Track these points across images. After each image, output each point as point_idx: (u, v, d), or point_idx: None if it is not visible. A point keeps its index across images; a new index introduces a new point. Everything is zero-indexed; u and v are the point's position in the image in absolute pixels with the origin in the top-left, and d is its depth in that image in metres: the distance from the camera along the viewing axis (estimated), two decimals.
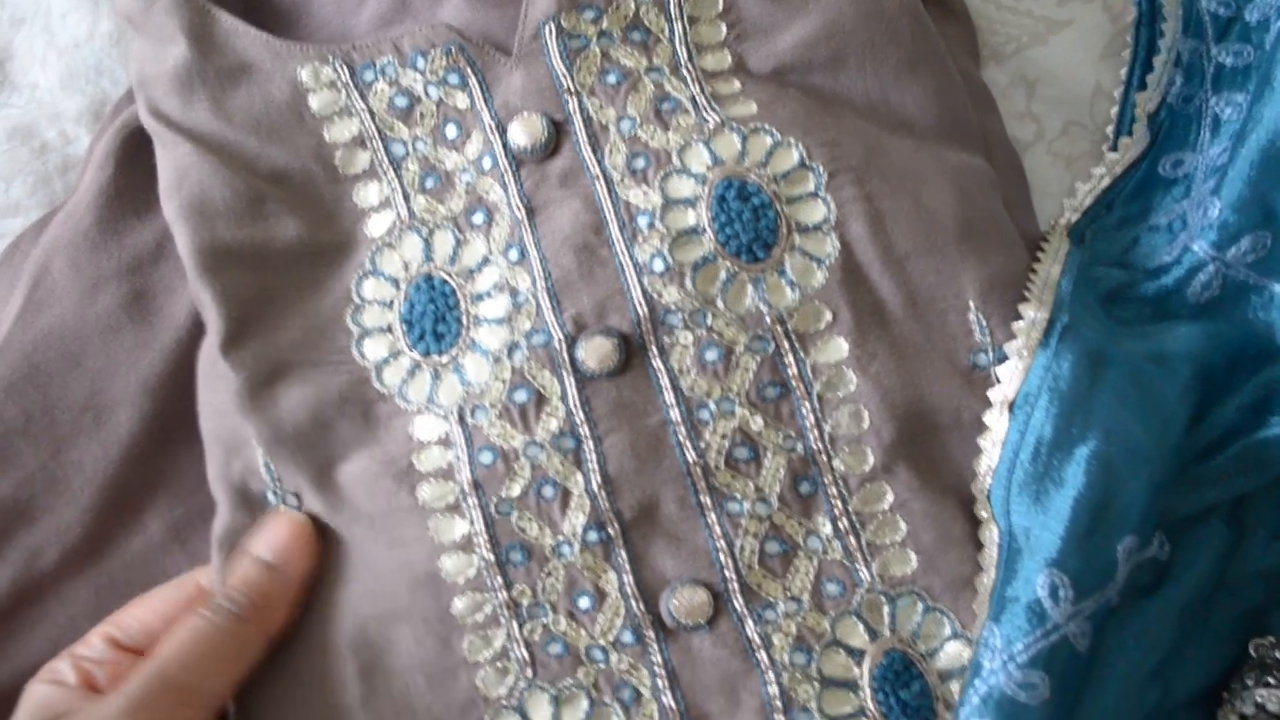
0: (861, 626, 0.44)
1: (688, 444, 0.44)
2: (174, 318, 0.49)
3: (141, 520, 0.49)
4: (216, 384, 0.46)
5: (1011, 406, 0.44)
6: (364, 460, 0.45)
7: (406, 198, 0.47)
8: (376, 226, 0.48)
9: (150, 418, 0.49)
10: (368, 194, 0.48)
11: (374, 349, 0.46)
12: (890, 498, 0.45)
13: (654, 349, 0.45)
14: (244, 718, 0.44)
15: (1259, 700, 0.45)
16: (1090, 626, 0.42)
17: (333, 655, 0.43)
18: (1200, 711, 0.46)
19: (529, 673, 0.43)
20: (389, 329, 0.46)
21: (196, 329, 0.48)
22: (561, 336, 0.45)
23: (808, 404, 0.45)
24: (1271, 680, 0.45)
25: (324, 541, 0.45)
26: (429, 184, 0.48)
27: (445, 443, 0.45)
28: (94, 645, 0.44)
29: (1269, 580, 0.47)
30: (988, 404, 0.45)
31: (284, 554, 0.44)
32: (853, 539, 0.44)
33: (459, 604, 0.43)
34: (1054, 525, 0.42)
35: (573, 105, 0.47)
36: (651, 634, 0.43)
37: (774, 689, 0.43)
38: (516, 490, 0.44)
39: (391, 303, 0.47)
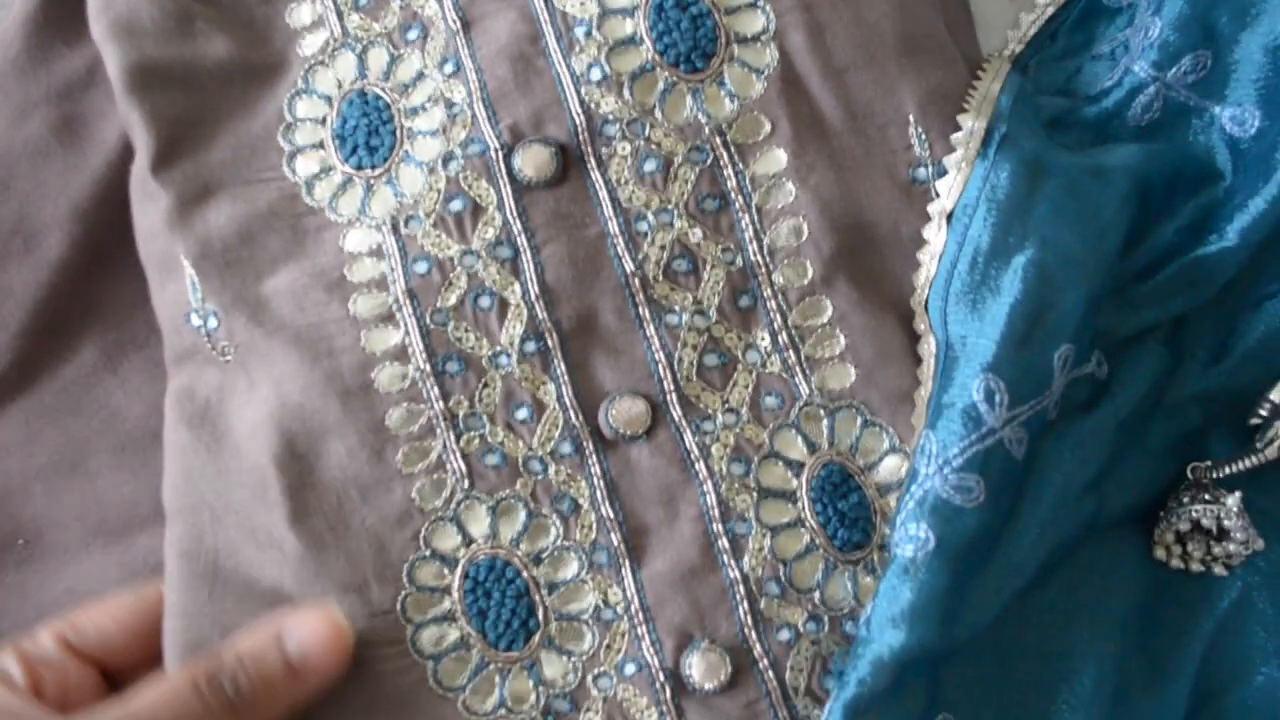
0: (800, 439, 0.44)
1: (626, 255, 0.44)
2: (105, 142, 0.48)
3: (74, 346, 0.48)
4: (147, 206, 0.46)
5: (949, 218, 0.44)
6: (293, 273, 0.44)
7: (340, 16, 0.47)
8: (309, 46, 0.47)
9: (82, 243, 0.48)
10: (300, 14, 0.47)
11: (305, 165, 0.45)
12: (829, 311, 0.45)
13: (592, 160, 0.44)
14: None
15: (1194, 515, 0.45)
16: (1026, 434, 0.42)
17: (259, 476, 0.43)
18: (1136, 530, 0.47)
19: (466, 484, 0.43)
20: (321, 145, 0.45)
21: (128, 153, 0.47)
22: (498, 145, 0.44)
23: (747, 216, 0.45)
24: (1207, 497, 0.46)
25: (247, 360, 0.44)
26: (363, 1, 0.47)
27: (378, 254, 0.44)
28: (44, 645, 0.41)
29: (1206, 405, 0.47)
30: (927, 219, 0.45)
31: (313, 659, 0.40)
32: (791, 353, 0.44)
33: (393, 415, 0.43)
34: (990, 332, 0.42)
35: None
36: (590, 445, 0.43)
37: (712, 499, 0.43)
38: (452, 300, 0.43)
39: (324, 119, 0.46)
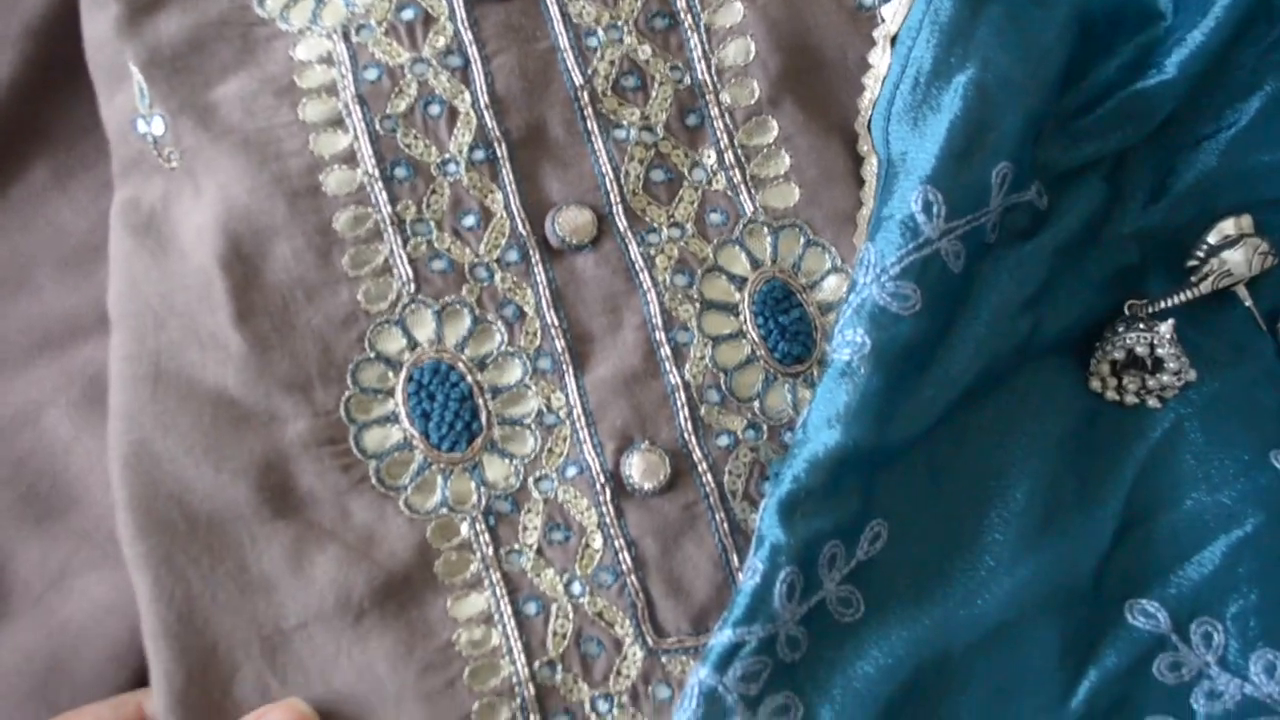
0: (743, 255, 0.45)
1: (575, 69, 0.44)
2: None
3: (23, 166, 0.48)
4: (96, 14, 0.46)
5: (893, 41, 0.45)
6: (242, 80, 0.44)
7: None
8: None
9: (33, 61, 0.48)
10: None
11: None
12: (775, 131, 0.45)
13: None
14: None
15: (1128, 343, 0.46)
16: (964, 249, 0.43)
17: (204, 278, 0.43)
18: (1074, 361, 0.48)
19: (412, 288, 0.43)
20: None
21: None
22: None
23: (696, 35, 0.45)
24: (1142, 326, 0.47)
25: (193, 166, 0.44)
26: None
27: (328, 61, 0.44)
28: None
29: (1144, 243, 0.48)
30: (872, 44, 0.46)
31: None
32: (737, 171, 0.45)
33: (340, 218, 0.43)
34: (929, 147, 0.43)
35: None
36: (536, 254, 0.44)
37: (655, 308, 0.44)
38: (402, 106, 0.44)
39: None
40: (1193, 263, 0.48)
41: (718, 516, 0.43)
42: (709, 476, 0.43)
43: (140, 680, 0.43)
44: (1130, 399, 0.47)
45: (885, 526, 0.43)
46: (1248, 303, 0.48)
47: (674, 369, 0.43)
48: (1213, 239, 0.48)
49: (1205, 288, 0.47)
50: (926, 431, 0.43)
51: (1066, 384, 0.47)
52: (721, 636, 0.39)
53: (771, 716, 0.39)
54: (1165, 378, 0.47)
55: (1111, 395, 0.47)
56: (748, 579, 0.39)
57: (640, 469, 0.42)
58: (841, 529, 0.41)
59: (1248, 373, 0.48)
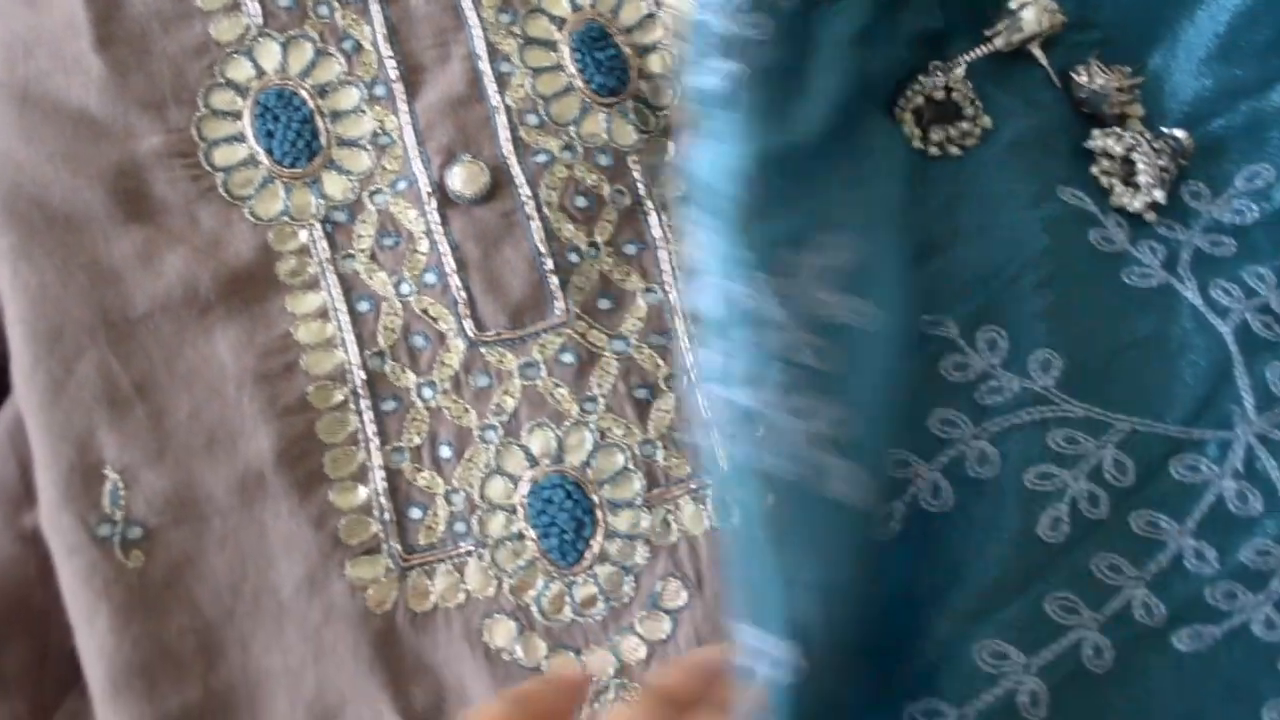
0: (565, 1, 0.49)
1: None
2: None
3: None
4: None
5: None
6: None
7: None
8: None
9: None
10: None
11: None
12: None
13: None
14: None
15: (925, 88, 0.51)
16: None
17: (69, 8, 0.47)
18: (881, 110, 0.52)
19: (260, 22, 0.47)
20: None
21: None
22: None
23: None
24: (939, 74, 0.51)
25: None
26: None
27: None
28: None
29: (948, 8, 0.52)
30: None
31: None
32: None
33: None
34: None
35: None
36: None
37: (480, 43, 0.48)
38: None
39: None
40: (992, 32, 0.52)
41: (534, 224, 0.47)
42: (526, 189, 0.47)
43: None
44: (934, 150, 0.51)
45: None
46: (1043, 60, 0.52)
47: (496, 94, 0.48)
48: (1013, 4, 0.52)
49: (999, 43, 0.52)
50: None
51: (897, 144, 0.51)
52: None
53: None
54: (964, 125, 0.51)
55: (917, 145, 0.51)
56: None
57: (462, 178, 0.46)
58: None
59: (1040, 121, 0.52)
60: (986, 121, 0.51)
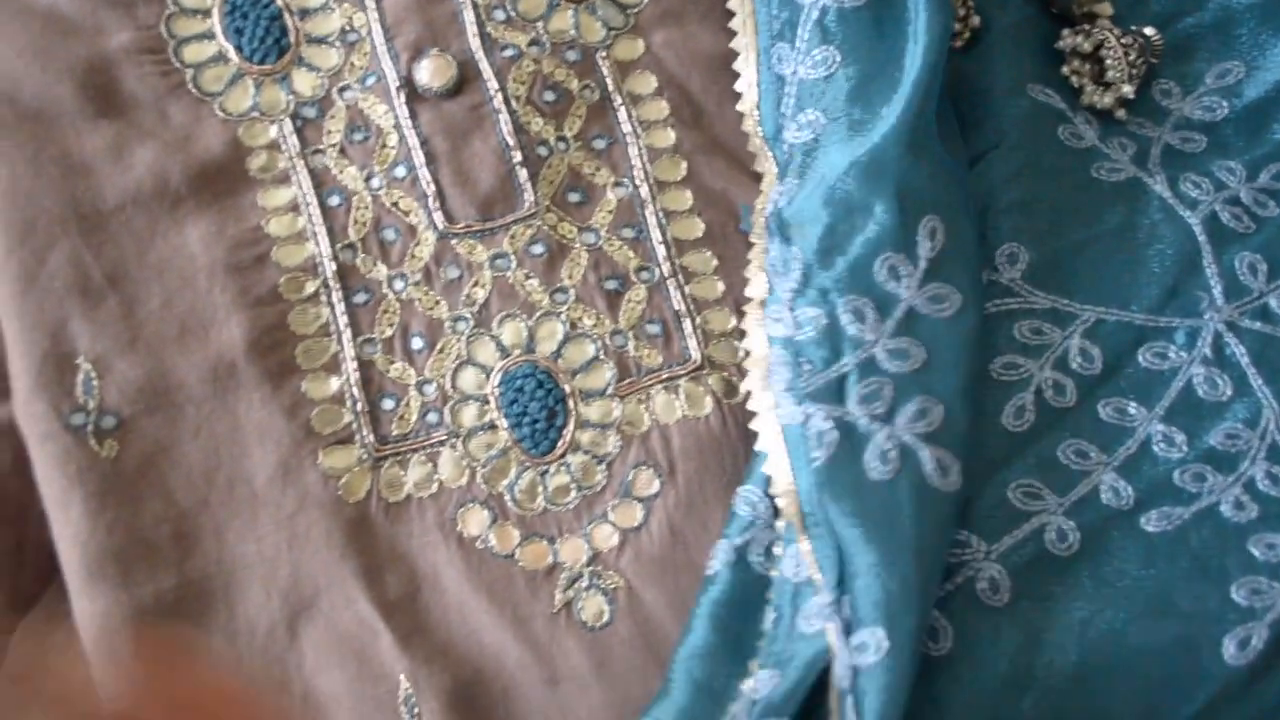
0: None
1: None
2: None
3: None
4: None
5: None
6: None
7: None
8: None
9: None
10: None
11: None
12: None
13: None
14: None
15: None
16: None
17: None
18: None
19: None
20: None
21: None
22: None
23: None
24: None
25: None
26: None
27: None
28: None
29: None
30: None
31: None
32: None
33: None
34: None
35: None
36: None
37: None
38: None
39: None
40: None
41: (501, 118, 0.47)
42: (494, 82, 0.47)
43: None
44: None
45: (938, 218, 0.45)
46: None
47: None
48: None
49: None
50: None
51: None
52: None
53: (911, 421, 0.42)
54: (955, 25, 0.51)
55: None
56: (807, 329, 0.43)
57: (429, 71, 0.47)
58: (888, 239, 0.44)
59: (1012, 21, 0.52)
60: (975, 21, 0.51)
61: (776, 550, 0.43)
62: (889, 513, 0.41)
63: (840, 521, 0.41)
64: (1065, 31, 0.52)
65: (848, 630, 0.40)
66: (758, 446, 0.44)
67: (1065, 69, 0.52)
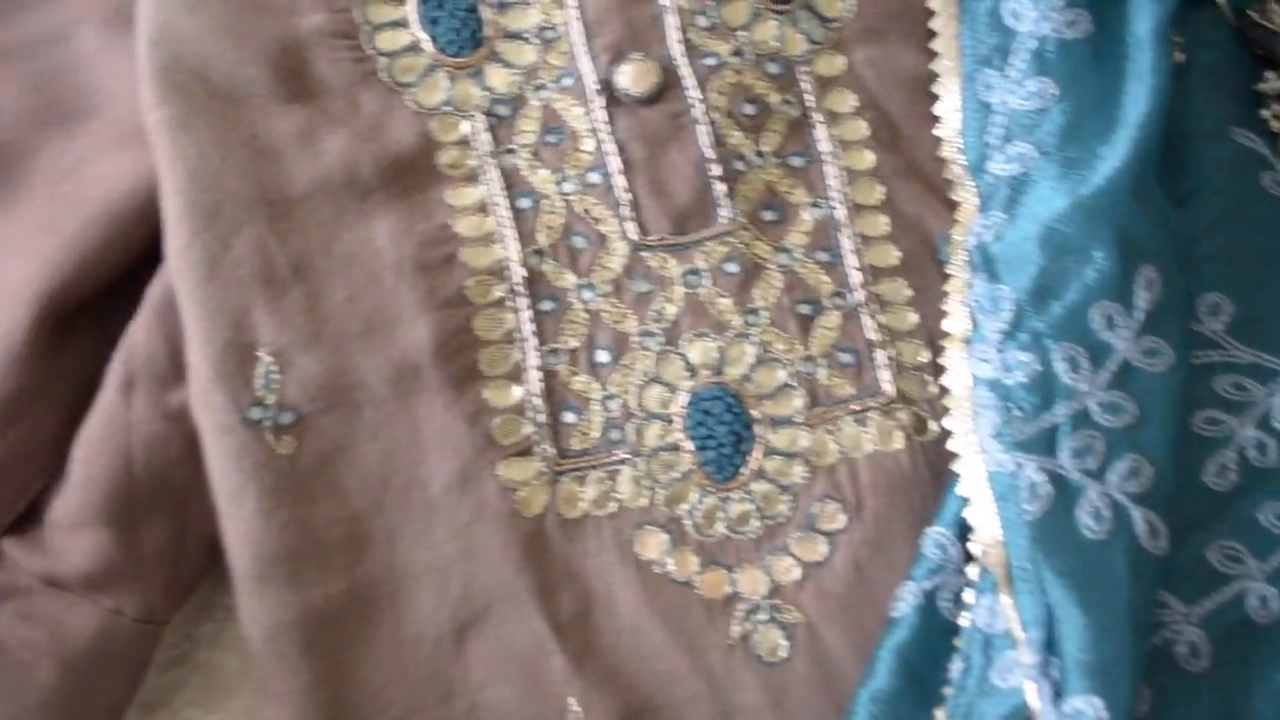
0: None
1: None
2: None
3: None
4: None
5: None
6: None
7: None
8: None
9: None
10: None
11: None
12: None
13: None
14: None
15: None
16: None
17: None
18: None
19: None
20: None
21: None
22: None
23: None
24: None
25: None
26: None
27: None
28: None
29: None
30: None
31: None
32: None
33: None
34: None
35: None
36: None
37: None
38: None
39: None
40: None
41: (701, 129, 0.45)
42: (695, 92, 0.46)
43: (149, 247, 0.45)
44: None
45: (1155, 269, 0.43)
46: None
47: None
48: None
49: None
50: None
51: None
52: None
53: (1123, 480, 0.41)
54: None
55: None
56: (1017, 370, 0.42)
57: (631, 76, 0.45)
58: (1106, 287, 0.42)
59: (1212, 60, 0.50)
60: (1180, 57, 0.49)
61: (967, 597, 0.42)
62: (1104, 575, 0.39)
63: (1051, 580, 0.39)
64: (1269, 74, 0.50)
65: (1056, 693, 0.39)
66: (959, 490, 0.42)
67: (1265, 112, 0.50)
